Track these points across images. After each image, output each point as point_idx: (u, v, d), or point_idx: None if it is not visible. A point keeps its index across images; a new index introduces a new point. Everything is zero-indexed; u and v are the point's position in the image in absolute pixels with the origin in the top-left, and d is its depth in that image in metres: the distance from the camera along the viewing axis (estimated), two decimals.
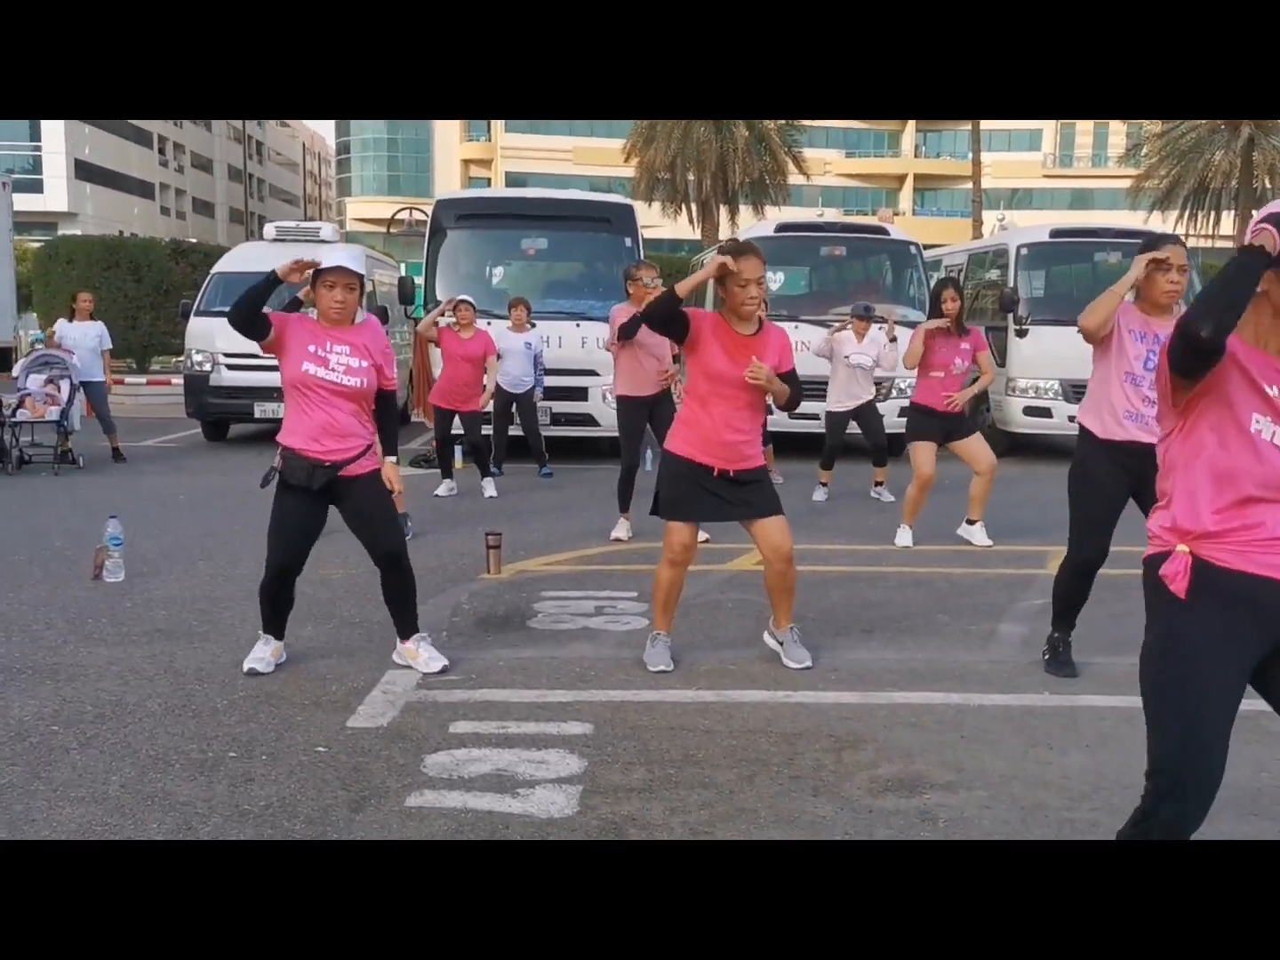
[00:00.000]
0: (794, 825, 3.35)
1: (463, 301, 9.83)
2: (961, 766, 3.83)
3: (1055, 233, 13.09)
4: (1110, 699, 4.53)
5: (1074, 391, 12.43)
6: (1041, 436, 12.97)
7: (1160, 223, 38.75)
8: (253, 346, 13.62)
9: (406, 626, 4.87)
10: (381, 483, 4.74)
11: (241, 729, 4.09)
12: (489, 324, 10.48)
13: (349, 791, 3.55)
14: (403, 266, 18.93)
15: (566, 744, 3.97)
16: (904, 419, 11.30)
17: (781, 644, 4.97)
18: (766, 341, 4.70)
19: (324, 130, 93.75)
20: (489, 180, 61.32)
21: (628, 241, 12.15)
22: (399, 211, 23.70)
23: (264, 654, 4.77)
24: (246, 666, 4.71)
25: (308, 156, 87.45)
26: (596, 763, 3.81)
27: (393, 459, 4.87)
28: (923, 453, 7.68)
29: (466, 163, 61.64)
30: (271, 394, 13.14)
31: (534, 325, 10.82)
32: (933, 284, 13.35)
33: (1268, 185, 37.01)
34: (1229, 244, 38.18)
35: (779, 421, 10.48)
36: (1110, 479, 4.67)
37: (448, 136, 60.49)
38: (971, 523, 7.79)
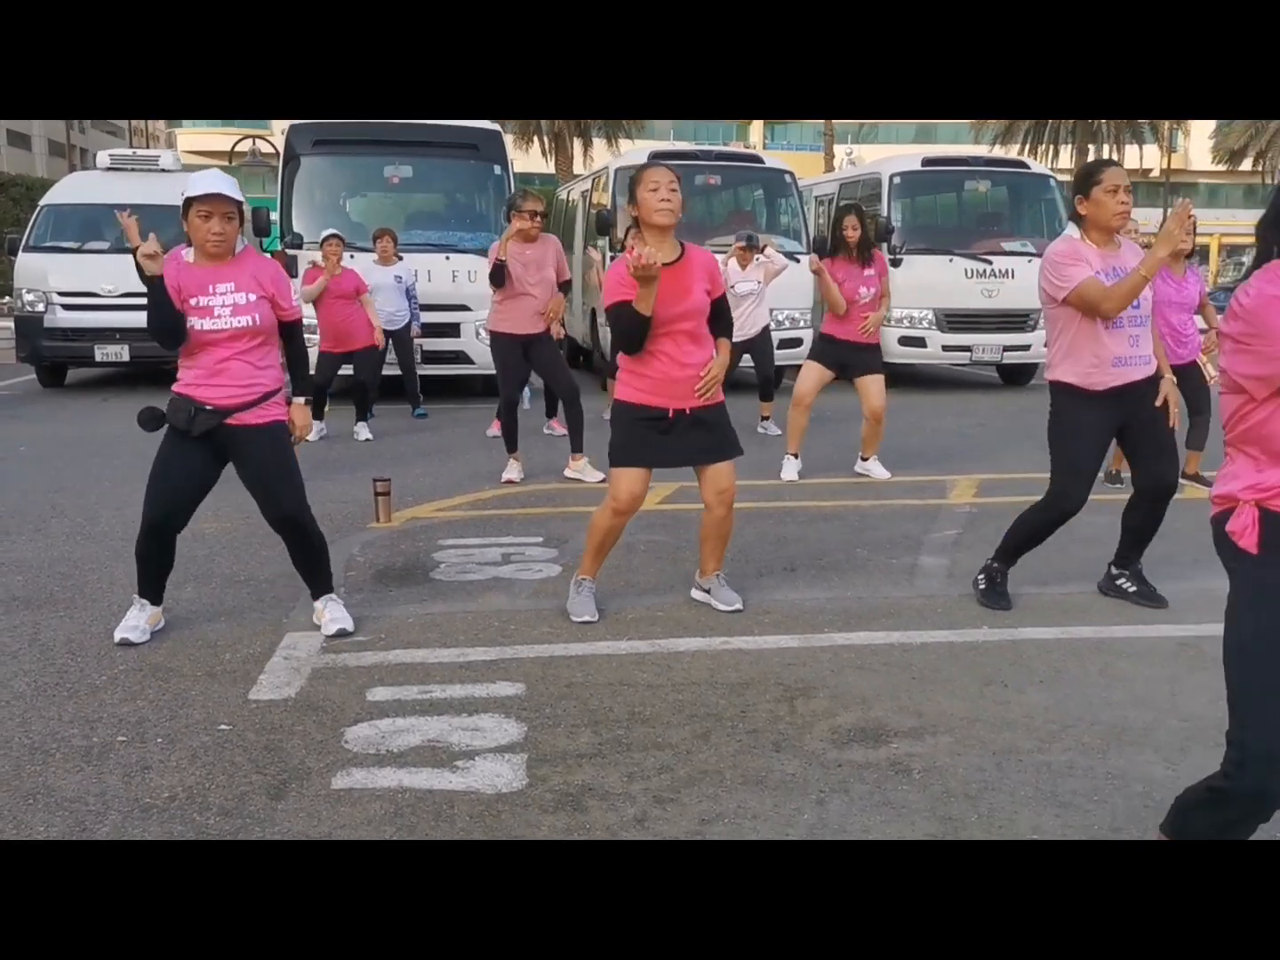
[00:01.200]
0: (763, 786, 3.10)
1: (331, 236, 9.22)
2: (920, 710, 3.64)
3: (927, 161, 13.04)
4: (1051, 631, 4.41)
5: (947, 321, 12.50)
6: (918, 366, 13.00)
7: (1002, 155, 39.70)
8: (91, 284, 12.61)
9: (318, 586, 4.43)
10: (282, 438, 4.24)
11: (128, 708, 3.62)
12: (352, 257, 9.87)
13: (264, 775, 3.15)
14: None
15: (500, 707, 3.63)
16: (781, 351, 11.19)
17: (709, 590, 4.71)
18: (690, 268, 4.35)
19: None
20: None
21: (497, 169, 11.59)
22: (240, 141, 22.34)
23: (138, 621, 4.25)
24: (118, 636, 4.19)
25: None
26: (536, 727, 3.48)
27: (301, 400, 4.38)
28: (806, 371, 7.52)
29: None
30: (114, 335, 12.27)
31: (400, 258, 10.23)
32: (809, 214, 13.22)
33: (1103, 120, 38.14)
34: (1067, 177, 39.30)
35: None
36: (1095, 428, 4.46)
37: None
38: (865, 459, 7.67)
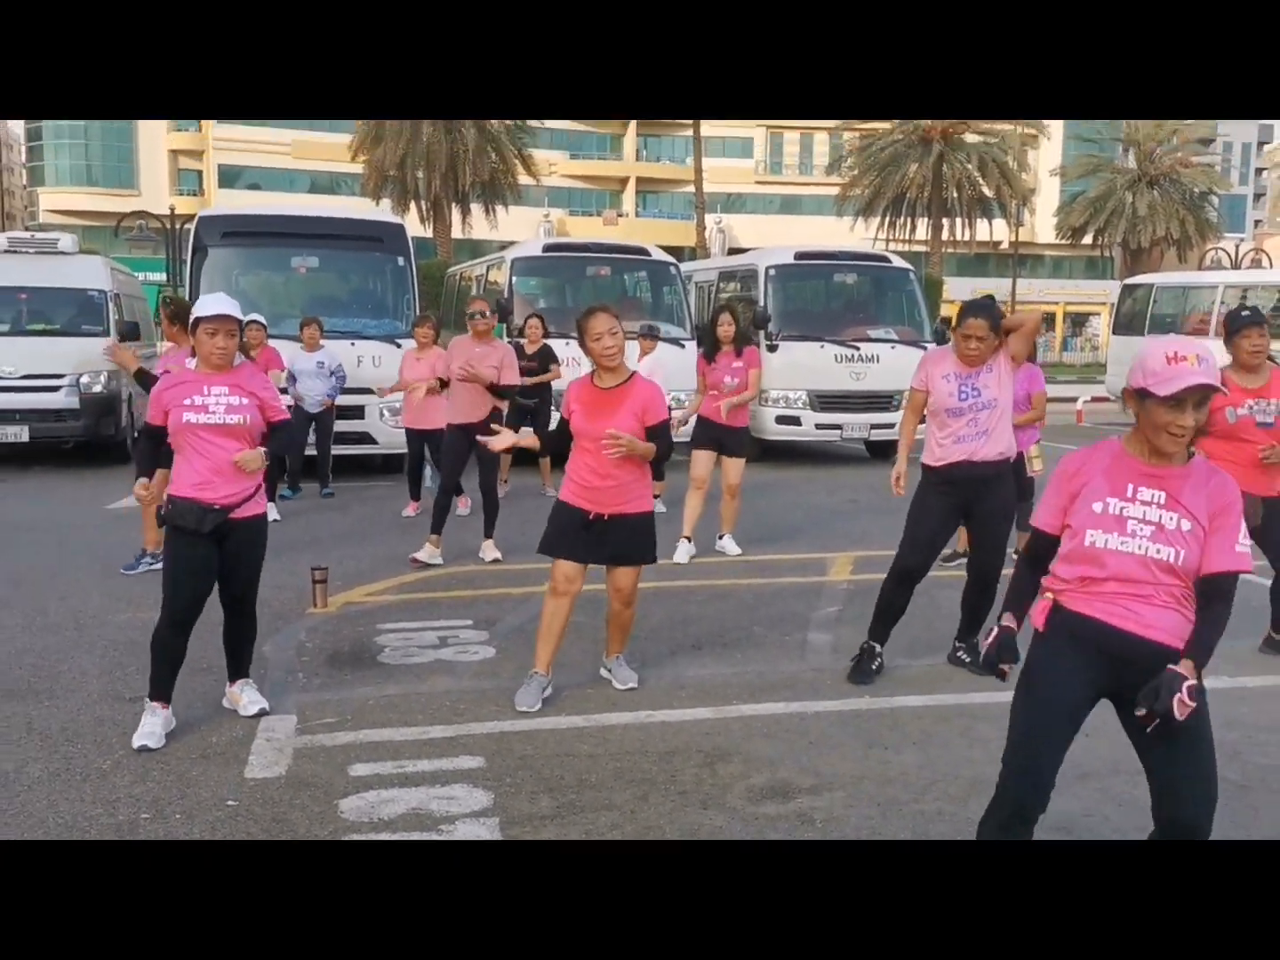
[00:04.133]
0: (696, 838, 3.80)
1: (252, 321, 9.74)
2: (818, 771, 4.39)
3: (799, 255, 14.15)
4: (921, 699, 5.23)
5: (819, 401, 13.53)
6: (793, 443, 14.00)
7: (864, 229, 41.77)
8: None
9: (239, 670, 5.02)
10: (264, 529, 4.87)
11: (141, 789, 4.14)
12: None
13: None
14: (141, 276, 18.07)
15: (467, 778, 4.26)
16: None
17: (611, 670, 5.43)
18: (627, 395, 5.03)
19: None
20: (200, 174, 58.47)
21: (400, 260, 12.24)
22: (131, 217, 22.49)
23: (154, 728, 4.58)
24: (137, 744, 4.53)
25: None
26: (501, 794, 4.12)
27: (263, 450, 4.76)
28: (698, 459, 8.39)
29: (175, 154, 58.50)
30: (14, 416, 12.45)
31: (323, 345, 10.83)
32: (691, 300, 14.16)
33: (955, 195, 40.53)
34: (924, 248, 41.64)
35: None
36: (941, 504, 5.47)
37: (153, 125, 57.14)
38: (721, 537, 8.56)
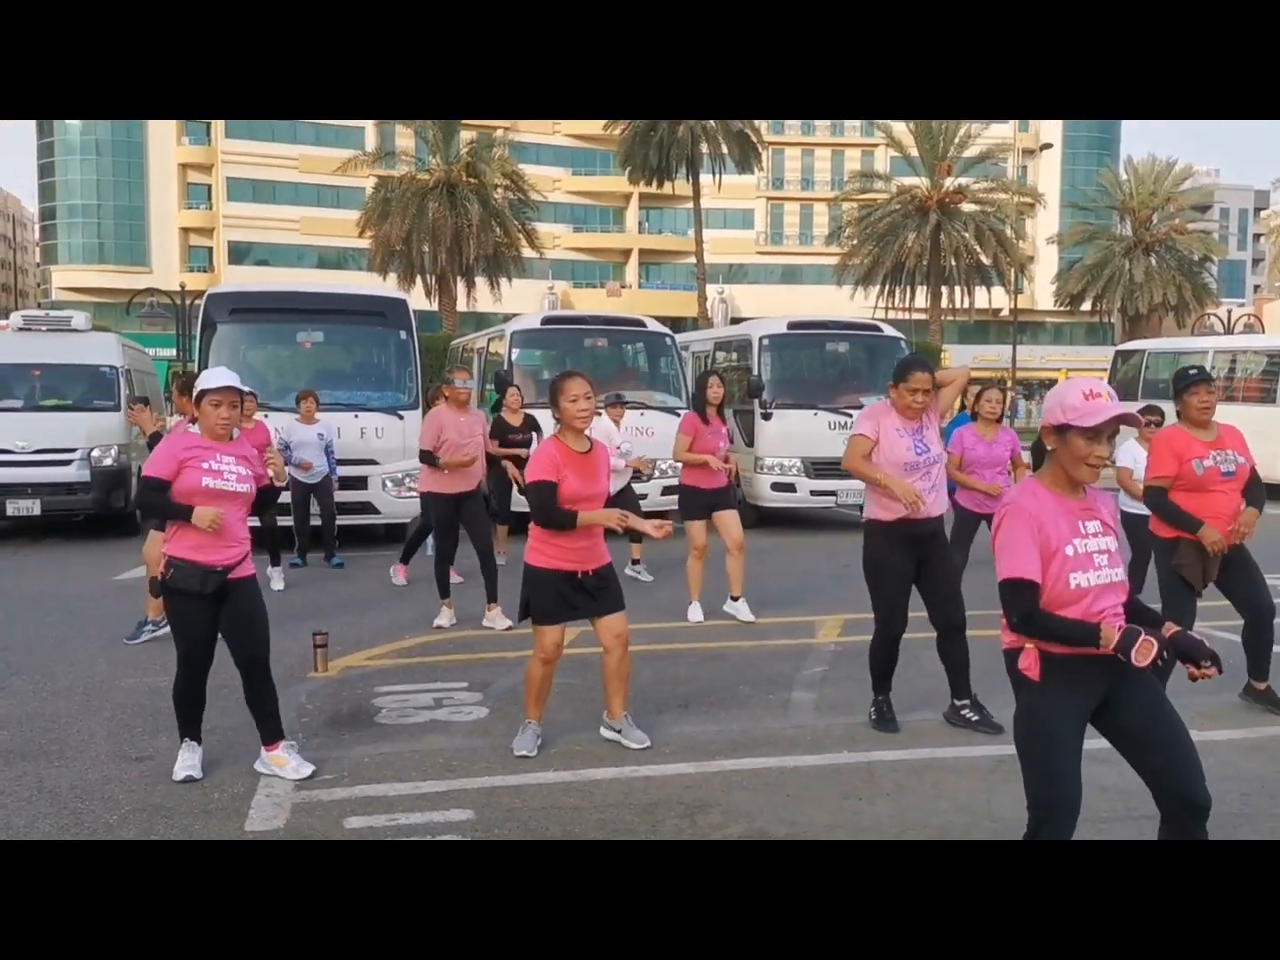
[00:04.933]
0: None
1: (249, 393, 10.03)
2: (794, 821, 4.58)
3: (792, 325, 14.51)
4: (896, 753, 5.42)
5: (814, 468, 13.78)
6: (788, 510, 14.24)
7: (863, 298, 42.36)
8: (4, 441, 13.18)
9: (272, 732, 5.15)
10: (259, 589, 5.12)
11: None
12: (266, 415, 10.67)
13: None
14: (152, 352, 18.49)
15: (456, 831, 4.46)
16: (664, 498, 12.33)
17: (619, 731, 5.55)
18: (599, 459, 5.39)
19: (19, 192, 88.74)
20: (210, 250, 59.58)
21: (402, 334, 12.60)
22: (143, 294, 23.12)
23: (193, 760, 5.04)
24: (182, 775, 4.96)
25: None
26: None
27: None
28: (696, 528, 8.61)
29: (186, 231, 59.67)
30: (26, 490, 12.74)
31: (319, 419, 11.11)
32: (688, 370, 14.50)
33: (952, 264, 41.14)
34: (923, 315, 42.21)
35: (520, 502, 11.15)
36: (899, 562, 5.66)
37: (164, 203, 58.46)
38: (735, 599, 8.70)
